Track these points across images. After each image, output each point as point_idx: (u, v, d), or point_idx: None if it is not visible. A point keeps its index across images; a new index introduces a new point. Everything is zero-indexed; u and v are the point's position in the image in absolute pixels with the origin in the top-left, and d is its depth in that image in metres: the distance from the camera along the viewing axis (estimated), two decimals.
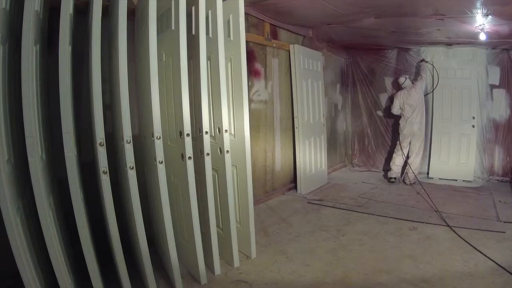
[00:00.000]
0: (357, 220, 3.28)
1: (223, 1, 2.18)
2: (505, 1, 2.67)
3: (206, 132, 2.09)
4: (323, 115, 4.73)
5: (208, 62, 2.23)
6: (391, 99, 5.14)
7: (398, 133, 4.86)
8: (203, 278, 2.13)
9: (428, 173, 5.04)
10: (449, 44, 4.77)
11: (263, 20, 3.73)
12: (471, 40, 4.21)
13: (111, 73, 2.04)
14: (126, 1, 1.70)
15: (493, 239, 2.77)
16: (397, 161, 4.79)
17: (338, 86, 5.63)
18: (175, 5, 1.92)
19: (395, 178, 4.79)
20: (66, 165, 1.55)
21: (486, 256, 2.44)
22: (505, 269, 2.25)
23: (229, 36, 2.35)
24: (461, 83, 4.80)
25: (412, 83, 4.80)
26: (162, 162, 1.85)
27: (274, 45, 3.93)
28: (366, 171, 5.58)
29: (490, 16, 3.12)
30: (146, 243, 1.84)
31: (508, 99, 4.72)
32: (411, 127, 4.69)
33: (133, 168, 1.73)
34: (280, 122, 4.14)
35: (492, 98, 4.80)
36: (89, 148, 2.06)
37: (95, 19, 1.62)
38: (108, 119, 2.18)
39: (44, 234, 1.49)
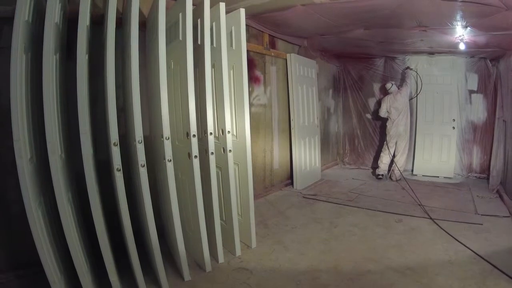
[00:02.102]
0: (348, 213, 3.28)
1: (226, 14, 2.18)
2: (482, 14, 2.66)
3: (211, 133, 2.09)
4: (317, 117, 4.73)
5: (213, 69, 2.23)
6: (378, 103, 5.14)
7: (385, 134, 4.86)
8: (208, 266, 2.13)
9: (412, 171, 5.03)
10: (431, 53, 4.78)
11: (262, 31, 3.73)
12: (451, 50, 4.22)
13: (124, 79, 2.04)
14: (137, 14, 1.69)
15: (471, 230, 2.77)
16: (384, 160, 4.79)
17: (330, 91, 5.62)
18: (183, 18, 1.92)
19: (382, 175, 4.78)
20: (83, 163, 1.55)
21: (465, 246, 2.44)
22: (482, 258, 2.25)
23: (231, 45, 2.35)
24: (442, 89, 4.81)
25: (398, 89, 4.80)
26: (170, 161, 1.85)
27: (273, 54, 3.93)
28: (356, 168, 5.58)
29: (469, 28, 3.12)
30: (156, 234, 1.84)
31: (485, 103, 4.71)
32: (397, 129, 4.69)
33: (144, 166, 1.73)
34: (278, 124, 4.13)
35: (470, 102, 4.80)
36: (104, 148, 2.05)
37: (109, 30, 1.63)
38: (122, 121, 2.18)
39: (63, 226, 1.49)
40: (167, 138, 1.84)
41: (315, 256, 2.36)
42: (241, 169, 2.42)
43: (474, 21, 2.93)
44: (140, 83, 1.72)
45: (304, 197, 3.87)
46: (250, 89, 3.57)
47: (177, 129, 2.14)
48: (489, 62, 4.56)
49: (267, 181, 4.02)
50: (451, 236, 2.63)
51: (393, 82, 4.84)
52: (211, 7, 2.09)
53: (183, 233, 1.99)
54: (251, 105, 3.57)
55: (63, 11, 1.80)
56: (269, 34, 3.85)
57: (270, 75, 3.94)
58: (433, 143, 4.89)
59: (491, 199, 3.70)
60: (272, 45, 3.99)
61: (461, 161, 4.86)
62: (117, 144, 1.64)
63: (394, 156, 4.76)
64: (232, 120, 2.39)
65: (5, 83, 1.39)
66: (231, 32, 2.33)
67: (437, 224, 2.90)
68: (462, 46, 3.64)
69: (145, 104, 2.18)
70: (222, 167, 2.29)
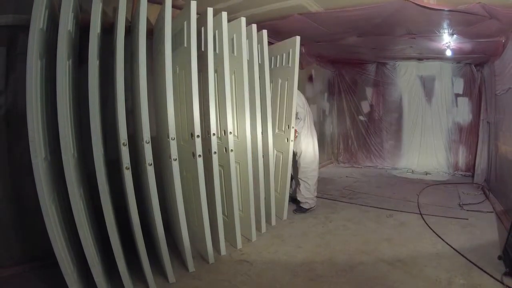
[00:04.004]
0: (342, 209, 3.28)
1: (227, 22, 2.18)
2: (468, 22, 2.66)
3: (214, 134, 2.08)
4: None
5: (215, 74, 2.22)
6: (371, 106, 5.14)
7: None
8: (211, 258, 2.13)
9: (402, 169, 5.02)
10: (420, 59, 4.77)
11: None
12: (439, 56, 4.21)
13: (133, 83, 2.04)
14: (145, 23, 1.69)
15: (458, 224, 2.77)
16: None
17: (325, 94, 5.62)
18: (187, 26, 1.91)
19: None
20: (95, 162, 1.54)
21: (445, 242, 2.39)
22: (460, 253, 2.20)
23: (233, 52, 2.34)
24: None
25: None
26: (176, 160, 1.85)
27: None
28: (350, 167, 5.57)
29: (455, 35, 3.12)
30: (162, 228, 1.83)
31: (470, 106, 4.71)
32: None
33: (151, 164, 1.72)
34: None
35: (457, 105, 4.81)
36: (113, 147, 2.05)
37: (119, 37, 1.62)
38: (130, 122, 2.18)
39: (76, 220, 1.49)
40: (173, 138, 1.83)
41: (311, 249, 2.35)
42: (242, 168, 2.42)
43: (460, 29, 2.93)
44: (147, 87, 1.72)
45: None
46: None
47: (182, 130, 2.14)
48: (474, 68, 4.56)
49: None
50: (435, 232, 2.60)
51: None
52: (214, 16, 2.09)
53: (188, 227, 1.98)
54: None
55: (76, 20, 1.79)
56: (268, 42, 3.83)
57: None
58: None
59: (476, 195, 3.69)
60: None
61: (448, 160, 4.86)
62: (126, 144, 1.64)
63: None
64: (234, 122, 2.39)
65: (22, 87, 1.39)
66: (232, 39, 2.33)
67: (424, 220, 2.88)
68: (449, 53, 3.63)
69: (152, 107, 2.18)
70: (224, 165, 2.28)
